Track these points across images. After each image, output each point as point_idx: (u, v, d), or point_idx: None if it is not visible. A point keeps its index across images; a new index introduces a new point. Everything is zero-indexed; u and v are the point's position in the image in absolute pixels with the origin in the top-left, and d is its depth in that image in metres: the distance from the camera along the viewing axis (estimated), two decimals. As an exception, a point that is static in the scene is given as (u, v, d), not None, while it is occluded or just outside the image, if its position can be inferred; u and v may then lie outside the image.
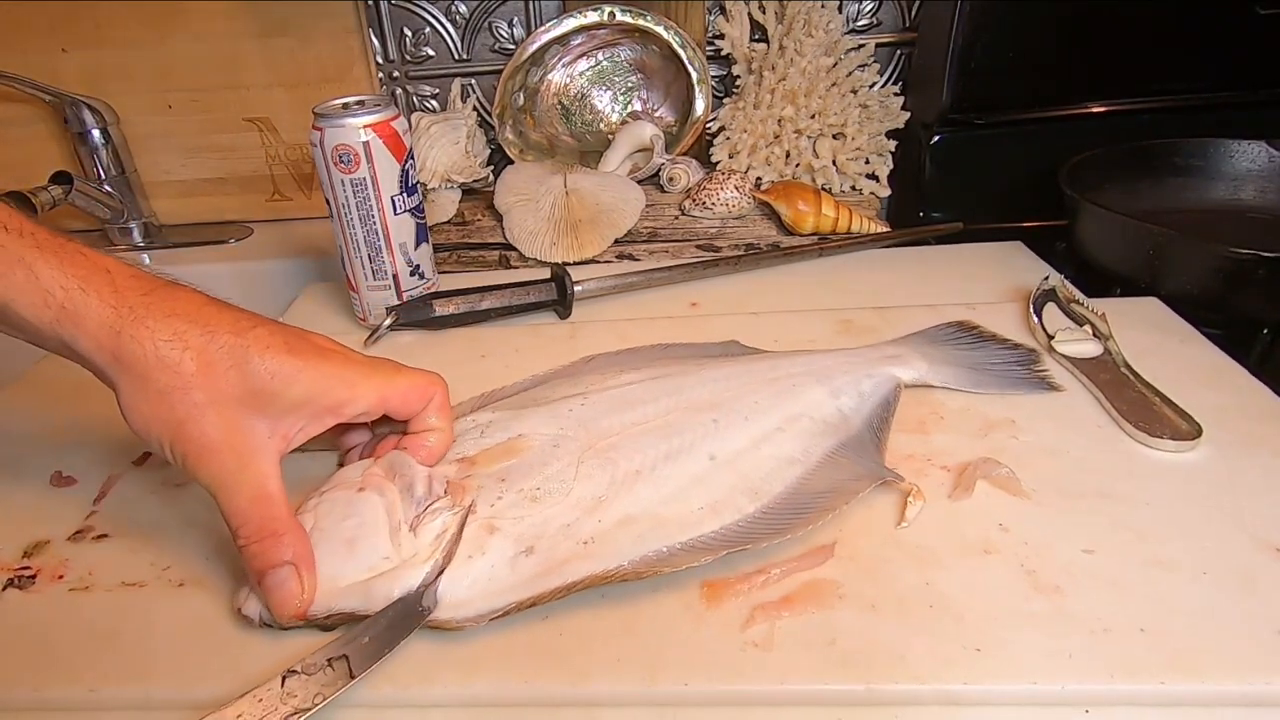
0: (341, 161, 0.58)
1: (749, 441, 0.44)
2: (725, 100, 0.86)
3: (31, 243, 0.34)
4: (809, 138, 0.82)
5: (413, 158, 0.61)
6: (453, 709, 0.34)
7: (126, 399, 0.35)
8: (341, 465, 0.45)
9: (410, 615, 0.35)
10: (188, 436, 0.35)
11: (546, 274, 0.67)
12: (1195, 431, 0.45)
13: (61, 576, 0.41)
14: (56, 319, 0.34)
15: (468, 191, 0.83)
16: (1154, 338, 0.55)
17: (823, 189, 0.79)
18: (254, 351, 0.36)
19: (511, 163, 0.85)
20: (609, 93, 0.89)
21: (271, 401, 0.36)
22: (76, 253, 0.35)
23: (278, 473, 0.37)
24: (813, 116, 0.80)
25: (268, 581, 0.35)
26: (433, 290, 0.66)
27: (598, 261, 0.76)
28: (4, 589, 0.40)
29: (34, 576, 0.41)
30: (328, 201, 0.60)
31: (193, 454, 0.35)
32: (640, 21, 0.82)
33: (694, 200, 0.77)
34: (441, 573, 0.36)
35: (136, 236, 0.92)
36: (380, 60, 0.89)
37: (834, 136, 0.82)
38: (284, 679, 0.32)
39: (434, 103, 0.92)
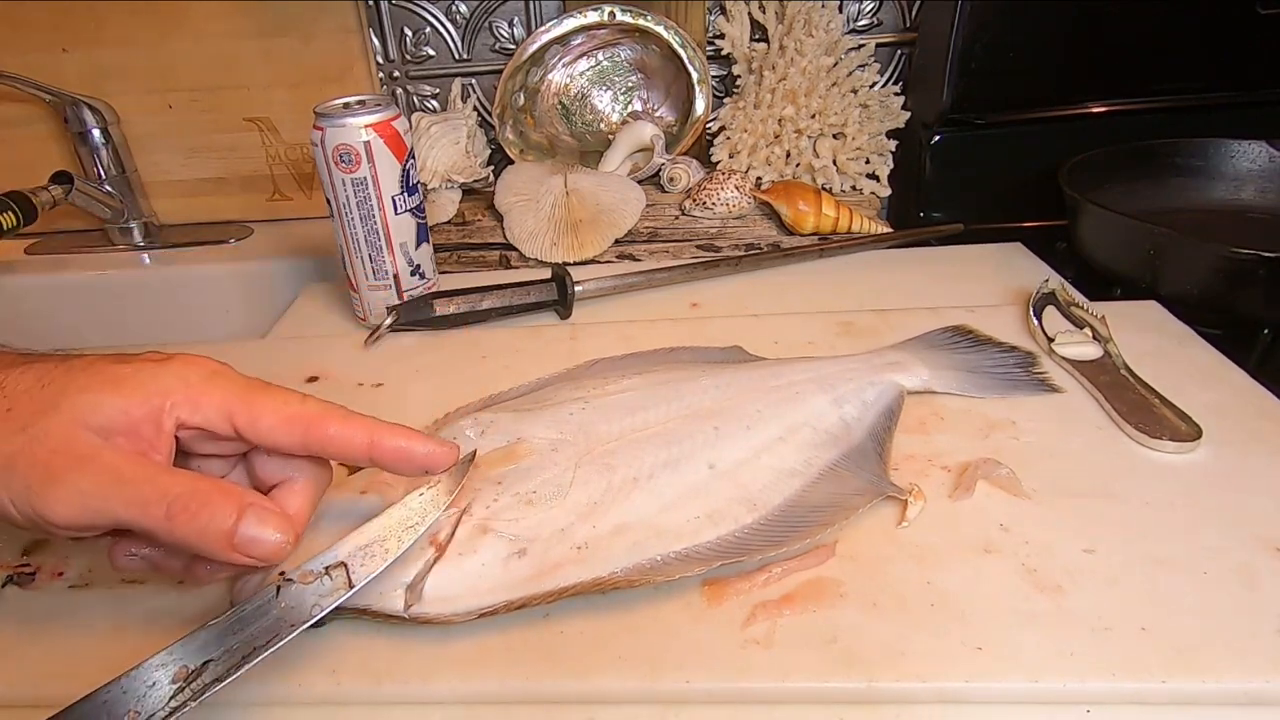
0: (342, 161, 0.58)
1: (749, 451, 0.43)
2: (725, 100, 0.86)
3: None
4: (809, 137, 0.82)
5: (413, 157, 0.61)
6: (453, 707, 0.34)
7: None
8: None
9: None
10: (28, 467, 0.30)
11: (547, 274, 0.67)
12: (1195, 433, 0.45)
13: (61, 574, 0.41)
14: None
15: (468, 191, 0.83)
16: (1153, 340, 0.55)
17: (823, 189, 0.79)
18: (75, 368, 0.32)
19: (512, 163, 0.85)
20: (609, 93, 0.89)
21: (94, 409, 0.31)
22: None
23: (147, 457, 0.31)
24: (813, 116, 0.81)
25: (239, 544, 0.30)
26: (433, 290, 0.66)
27: (598, 261, 0.76)
28: (4, 586, 0.40)
29: (34, 574, 0.41)
30: (328, 201, 0.60)
31: (44, 482, 0.29)
32: (640, 21, 0.82)
33: (694, 200, 0.77)
34: (430, 569, 0.36)
35: (136, 236, 0.92)
36: (380, 60, 0.89)
37: (834, 136, 0.82)
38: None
39: (434, 103, 0.92)
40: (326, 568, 0.33)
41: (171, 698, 0.29)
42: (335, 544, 0.34)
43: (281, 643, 0.31)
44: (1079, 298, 0.58)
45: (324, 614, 0.32)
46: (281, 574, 0.33)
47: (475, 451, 0.38)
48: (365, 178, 0.58)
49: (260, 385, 0.34)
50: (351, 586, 0.33)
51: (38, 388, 0.31)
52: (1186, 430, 0.45)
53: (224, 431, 0.33)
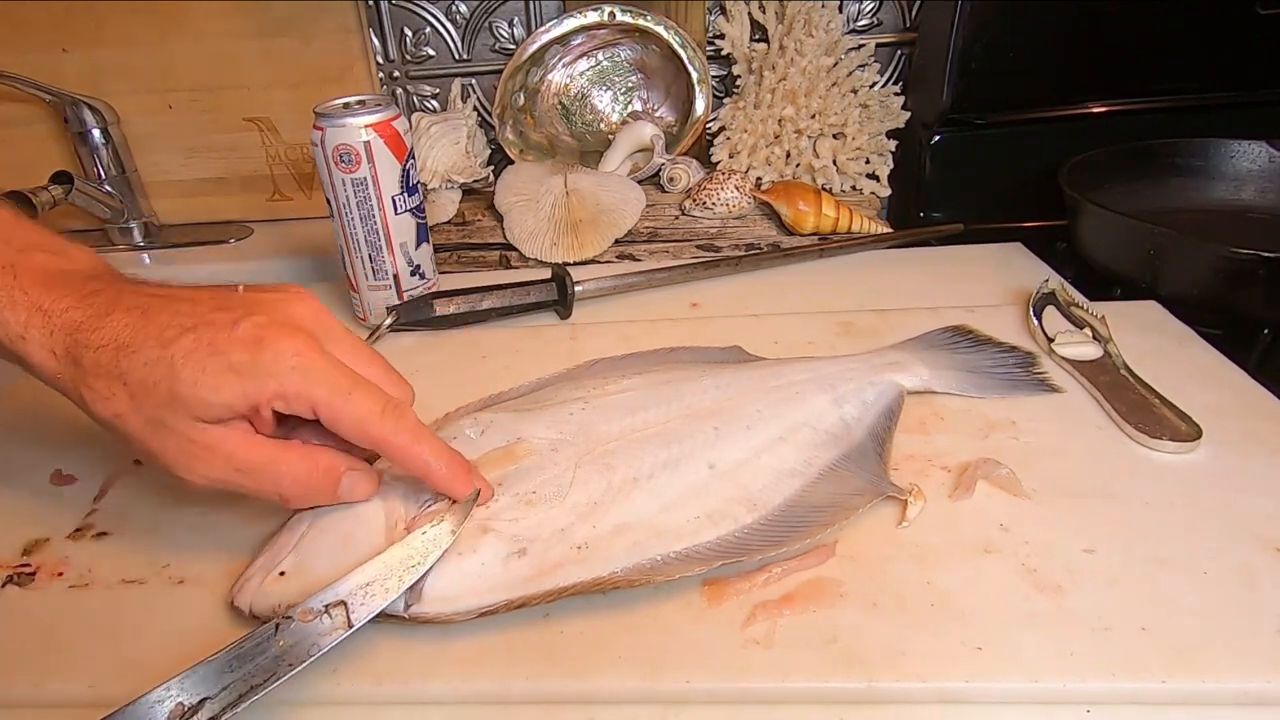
0: (342, 161, 0.58)
1: (750, 451, 0.43)
2: (725, 100, 0.86)
3: None
4: (809, 137, 0.82)
5: (413, 157, 0.61)
6: (453, 706, 0.34)
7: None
8: None
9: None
10: (160, 451, 0.36)
11: (547, 274, 0.67)
12: (1195, 433, 0.45)
13: (61, 574, 0.41)
14: (16, 357, 0.37)
15: (468, 191, 0.83)
16: (1153, 340, 0.55)
17: (823, 189, 0.79)
18: (178, 362, 0.34)
19: (511, 163, 0.85)
20: (609, 93, 0.89)
21: (204, 408, 0.35)
22: (19, 292, 0.36)
23: (258, 438, 0.36)
24: (813, 116, 0.81)
25: (342, 498, 0.38)
26: (433, 290, 0.66)
27: (598, 261, 0.76)
28: (4, 586, 0.40)
29: (34, 574, 0.41)
30: (328, 201, 0.60)
31: (178, 465, 0.36)
32: (640, 21, 0.82)
33: (694, 200, 0.77)
34: (430, 568, 0.36)
35: (136, 236, 0.92)
36: (380, 60, 0.89)
37: (834, 136, 0.82)
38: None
39: (434, 103, 0.92)
40: (326, 606, 0.33)
41: None
42: (336, 582, 0.34)
43: (279, 682, 0.31)
44: (1079, 298, 0.58)
45: (321, 654, 0.32)
46: (284, 611, 0.33)
47: (479, 492, 0.38)
48: (365, 178, 0.58)
49: (347, 386, 0.36)
50: (351, 626, 0.33)
51: (152, 383, 0.35)
52: (1186, 430, 0.45)
53: (311, 418, 0.37)
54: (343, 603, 0.33)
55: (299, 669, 0.31)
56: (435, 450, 0.38)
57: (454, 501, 0.39)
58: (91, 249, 0.40)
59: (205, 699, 0.30)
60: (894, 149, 0.82)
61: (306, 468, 0.37)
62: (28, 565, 0.41)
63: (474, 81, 0.90)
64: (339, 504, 0.39)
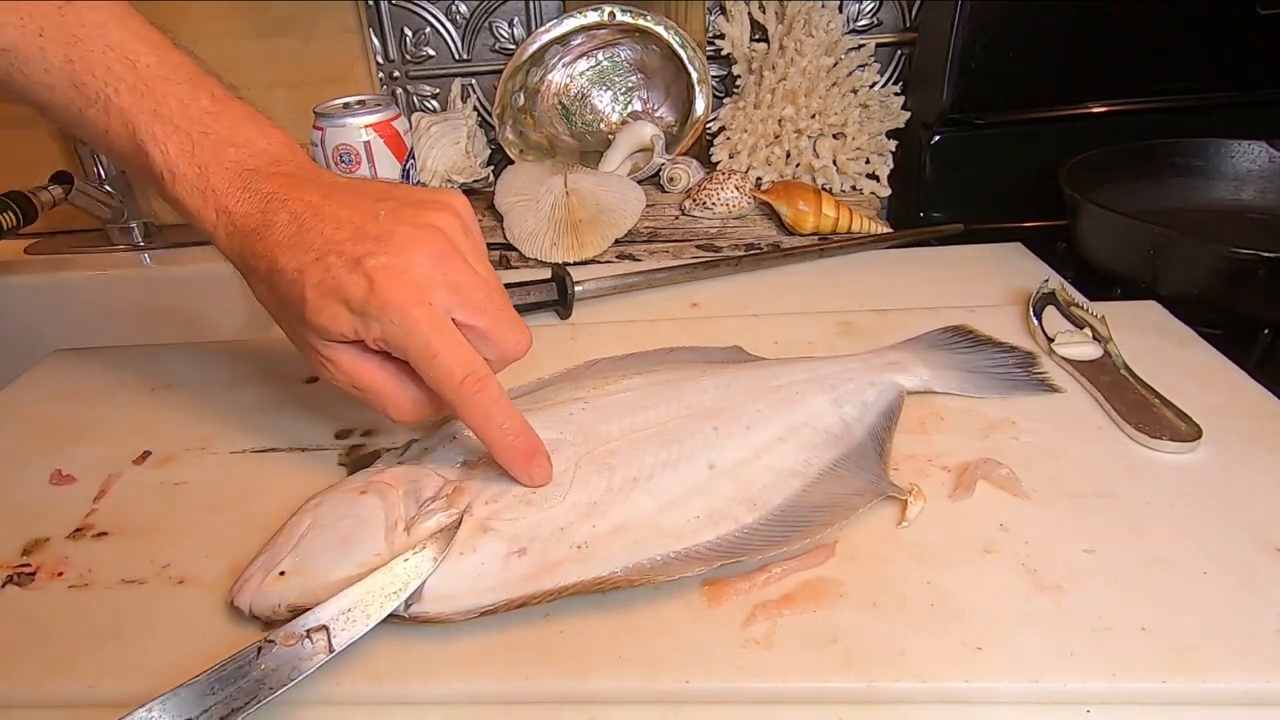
0: (342, 161, 0.58)
1: (750, 451, 0.43)
2: (725, 100, 0.86)
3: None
4: (809, 137, 0.82)
5: (413, 157, 0.61)
6: (453, 706, 0.34)
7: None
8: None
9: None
10: (301, 348, 0.41)
11: (547, 274, 0.67)
12: (1195, 433, 0.45)
13: (61, 574, 0.41)
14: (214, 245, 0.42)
15: (468, 191, 0.83)
16: (1153, 340, 0.55)
17: (823, 189, 0.79)
18: (307, 289, 0.38)
19: (511, 163, 0.85)
20: (609, 93, 0.89)
21: (320, 330, 0.39)
22: (210, 194, 0.40)
23: (367, 360, 0.40)
24: (813, 116, 0.81)
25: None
26: (433, 290, 0.66)
27: (598, 262, 0.76)
28: (3, 586, 0.40)
29: (33, 573, 0.41)
30: (328, 201, 0.60)
31: (310, 363, 0.41)
32: (640, 21, 0.82)
33: (694, 200, 0.77)
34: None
35: (136, 236, 0.92)
36: (380, 60, 0.89)
37: (834, 136, 0.82)
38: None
39: (434, 103, 0.92)
40: (308, 631, 0.33)
41: None
42: (318, 606, 0.34)
43: (259, 705, 0.31)
44: (1079, 298, 0.58)
45: (302, 678, 0.32)
46: (265, 635, 0.33)
47: (462, 516, 0.38)
48: (365, 177, 0.58)
49: (435, 348, 0.37)
50: (332, 651, 0.33)
51: (287, 296, 0.39)
52: (1186, 430, 0.45)
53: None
54: (324, 627, 0.34)
55: (279, 693, 0.31)
56: (506, 428, 0.39)
57: (449, 502, 0.39)
58: (279, 130, 0.43)
59: None
60: (894, 149, 0.82)
61: (411, 397, 0.40)
62: (28, 565, 0.41)
63: (474, 81, 0.90)
64: (347, 504, 0.39)
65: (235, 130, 0.41)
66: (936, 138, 0.79)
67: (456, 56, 0.89)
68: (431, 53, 0.89)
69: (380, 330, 0.37)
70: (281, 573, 0.36)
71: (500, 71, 0.85)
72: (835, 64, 0.81)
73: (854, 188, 0.82)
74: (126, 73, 0.40)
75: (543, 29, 0.84)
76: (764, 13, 0.83)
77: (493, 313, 0.40)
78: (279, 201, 0.39)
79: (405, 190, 0.42)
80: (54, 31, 0.39)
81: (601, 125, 0.90)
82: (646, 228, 0.78)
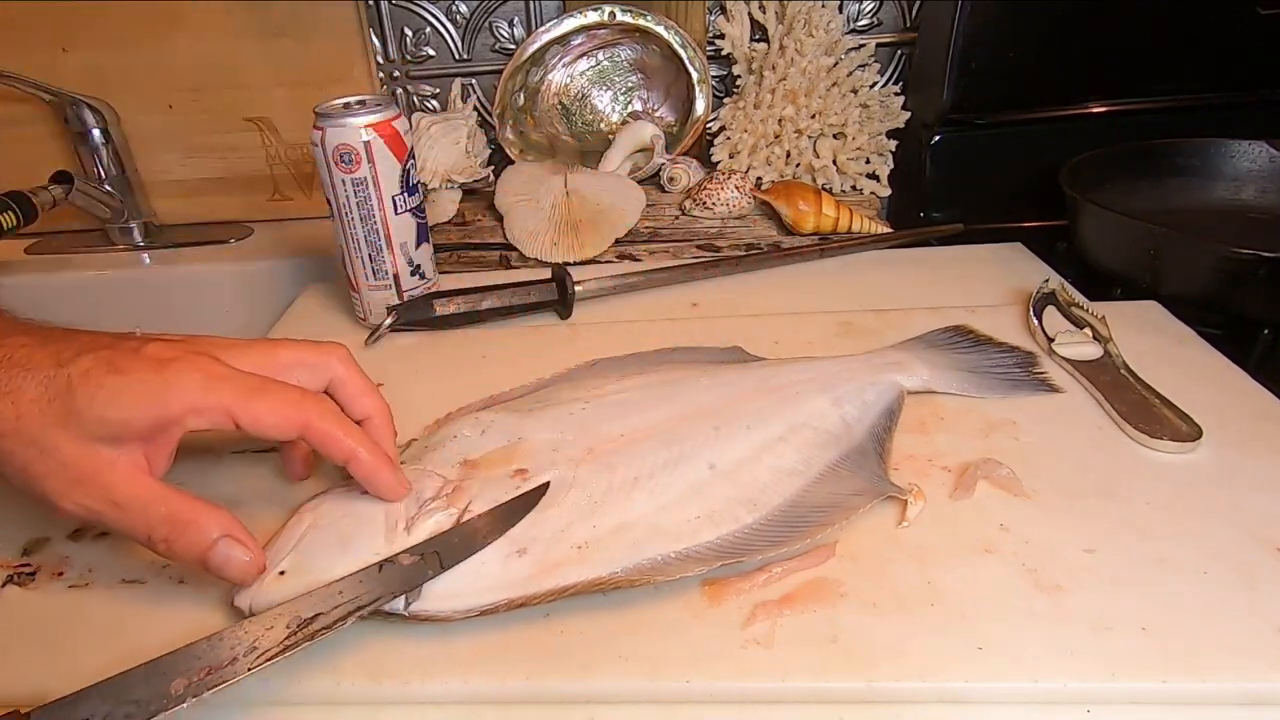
0: (342, 161, 0.58)
1: (750, 451, 0.43)
2: (725, 100, 0.86)
3: None
4: (809, 137, 0.82)
5: (413, 157, 0.61)
6: (453, 706, 0.34)
7: None
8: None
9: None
10: (39, 475, 0.34)
11: (547, 274, 0.67)
12: (1195, 433, 0.45)
13: (61, 574, 0.41)
14: None
15: (468, 191, 0.83)
16: (1153, 340, 0.55)
17: (823, 189, 0.79)
18: (75, 379, 0.34)
19: (511, 163, 0.85)
20: (609, 93, 0.89)
21: (100, 424, 0.34)
22: None
23: (147, 475, 0.35)
24: (813, 116, 0.81)
25: (212, 564, 0.35)
26: (433, 290, 0.66)
27: (598, 261, 0.76)
28: (4, 586, 0.40)
29: (34, 573, 0.41)
30: (328, 201, 0.60)
31: (53, 491, 0.34)
32: (640, 21, 0.82)
33: (694, 200, 0.77)
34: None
35: (136, 236, 0.92)
36: (380, 60, 0.89)
37: (834, 136, 0.82)
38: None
39: (434, 103, 0.92)
40: (422, 554, 0.35)
41: None
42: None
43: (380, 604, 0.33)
44: (1079, 298, 0.58)
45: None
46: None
47: (439, 556, 0.37)
48: (365, 178, 0.58)
49: (258, 386, 0.36)
50: (443, 568, 0.35)
51: (44, 401, 0.34)
52: (1186, 430, 0.45)
53: (230, 429, 0.36)
54: (436, 553, 0.36)
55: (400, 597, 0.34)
56: (359, 438, 0.38)
57: (449, 502, 0.39)
58: None
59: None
60: (894, 149, 0.82)
61: (187, 518, 0.35)
62: (28, 565, 0.41)
63: (474, 81, 0.90)
64: (347, 503, 0.39)
65: None
66: (936, 138, 0.79)
67: (456, 56, 0.89)
68: (431, 53, 0.89)
69: (187, 400, 0.35)
70: (282, 572, 0.36)
71: (500, 71, 0.85)
72: (835, 64, 0.81)
73: (854, 188, 0.82)
74: None
75: (543, 29, 0.84)
76: (764, 13, 0.83)
77: (288, 349, 0.40)
78: (2, 328, 0.36)
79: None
80: None
81: (601, 125, 0.90)
82: (647, 228, 0.78)
